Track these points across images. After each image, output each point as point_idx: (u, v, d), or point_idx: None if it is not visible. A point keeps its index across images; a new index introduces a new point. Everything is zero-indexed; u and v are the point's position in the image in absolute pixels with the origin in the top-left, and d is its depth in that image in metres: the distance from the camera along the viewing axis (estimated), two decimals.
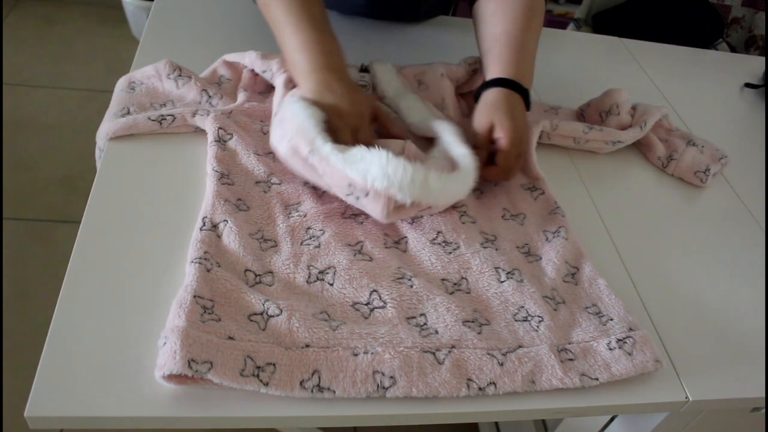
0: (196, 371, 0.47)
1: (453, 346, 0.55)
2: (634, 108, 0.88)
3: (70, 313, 0.53)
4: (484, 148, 0.73)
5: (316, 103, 0.66)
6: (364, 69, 0.85)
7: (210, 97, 0.76)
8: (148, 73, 0.78)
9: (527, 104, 0.77)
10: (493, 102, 0.74)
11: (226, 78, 0.81)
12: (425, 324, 0.57)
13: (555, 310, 0.61)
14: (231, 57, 0.80)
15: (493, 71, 0.77)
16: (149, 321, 0.53)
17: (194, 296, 0.52)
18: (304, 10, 0.72)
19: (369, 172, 0.59)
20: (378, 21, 1.06)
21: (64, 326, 0.52)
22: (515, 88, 0.75)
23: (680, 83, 1.11)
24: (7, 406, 1.23)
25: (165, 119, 0.71)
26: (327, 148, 0.61)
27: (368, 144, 0.63)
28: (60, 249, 1.56)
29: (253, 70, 0.80)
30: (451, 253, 0.64)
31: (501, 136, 0.72)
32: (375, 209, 0.62)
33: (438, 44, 1.04)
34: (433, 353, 0.54)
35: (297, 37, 0.71)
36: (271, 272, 0.58)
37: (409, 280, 0.60)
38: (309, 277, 0.59)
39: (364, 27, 1.04)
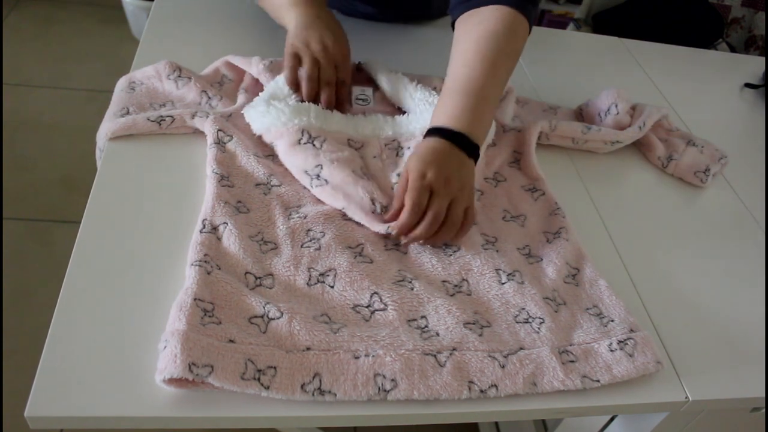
0: (197, 375, 0.47)
1: (454, 349, 0.55)
2: (633, 108, 0.88)
3: (70, 313, 0.53)
4: (398, 202, 0.64)
5: (300, 33, 0.73)
6: (360, 68, 0.85)
7: (210, 98, 0.76)
8: (148, 74, 0.78)
9: (474, 156, 0.67)
10: (418, 149, 0.65)
11: (228, 78, 0.81)
12: (426, 326, 0.57)
13: (556, 311, 0.61)
14: (236, 60, 0.80)
15: (436, 117, 0.68)
16: (149, 321, 0.53)
17: (194, 299, 0.52)
18: None
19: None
20: (380, 23, 1.06)
21: (64, 326, 0.52)
22: (457, 139, 0.65)
23: (680, 83, 1.11)
24: (7, 406, 1.23)
25: (164, 120, 0.71)
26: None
27: (347, 79, 0.73)
28: (60, 249, 1.56)
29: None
30: (451, 255, 0.64)
31: (409, 181, 0.62)
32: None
33: (441, 46, 1.04)
34: (435, 356, 0.54)
35: None
36: (271, 275, 0.58)
37: (410, 282, 0.60)
38: (309, 279, 0.59)
39: (368, 29, 1.04)
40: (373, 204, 0.65)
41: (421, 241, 0.64)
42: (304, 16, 0.76)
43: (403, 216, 0.61)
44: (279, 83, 0.75)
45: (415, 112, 0.77)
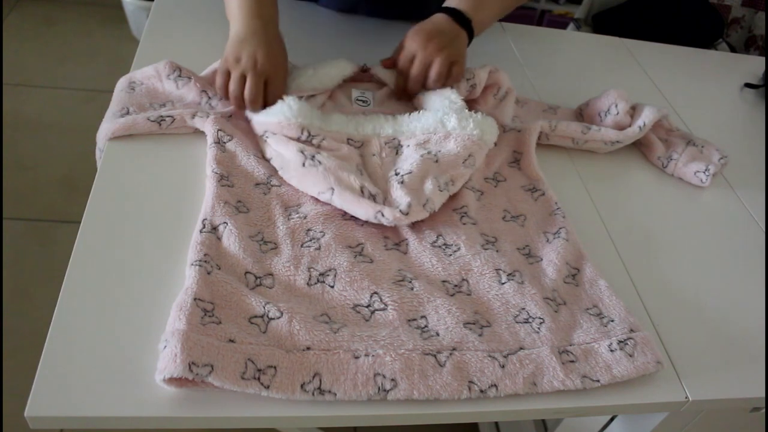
0: (197, 374, 0.47)
1: (454, 349, 0.55)
2: (633, 108, 0.88)
3: (70, 313, 0.53)
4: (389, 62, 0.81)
5: (233, 46, 0.73)
6: (365, 69, 0.85)
7: (210, 98, 0.76)
8: (148, 74, 0.78)
9: (469, 35, 0.81)
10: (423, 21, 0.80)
11: None
12: (426, 326, 0.57)
13: (556, 311, 0.61)
14: None
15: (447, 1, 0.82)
16: (149, 321, 0.53)
17: (194, 299, 0.52)
18: None
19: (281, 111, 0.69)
20: (378, 20, 1.06)
21: (64, 326, 0.52)
22: (454, 16, 0.79)
23: (680, 83, 1.11)
24: (7, 406, 1.23)
25: (164, 120, 0.71)
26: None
27: (279, 95, 0.73)
28: (60, 249, 1.56)
29: None
30: (451, 255, 0.64)
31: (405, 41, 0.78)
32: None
33: None
34: (435, 356, 0.54)
35: None
36: (271, 274, 0.58)
37: (410, 282, 0.60)
38: (309, 279, 0.59)
39: (366, 26, 1.04)
40: (362, 192, 0.65)
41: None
42: (241, 30, 0.75)
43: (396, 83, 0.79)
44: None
45: (420, 111, 0.77)
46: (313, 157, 0.67)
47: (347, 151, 0.70)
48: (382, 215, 0.63)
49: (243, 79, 0.72)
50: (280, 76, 0.75)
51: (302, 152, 0.67)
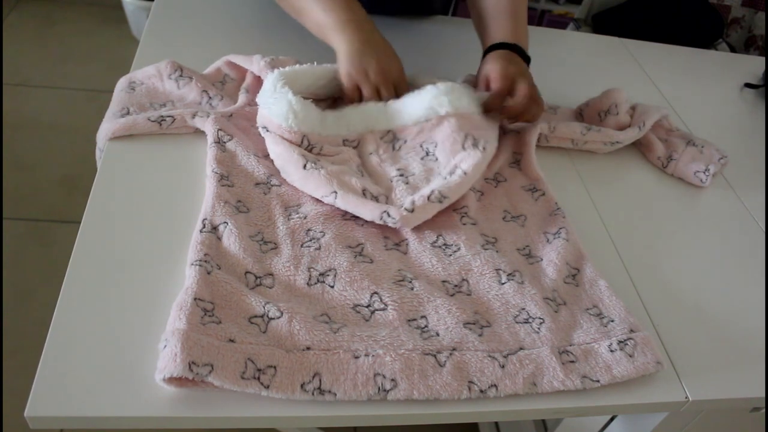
0: (197, 374, 0.47)
1: (454, 349, 0.55)
2: (633, 108, 0.88)
3: (70, 313, 0.53)
4: (484, 84, 0.79)
5: (355, 61, 0.73)
6: None
7: (210, 98, 0.76)
8: (149, 73, 0.78)
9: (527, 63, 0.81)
10: (488, 59, 0.80)
11: (231, 77, 0.81)
12: (426, 326, 0.57)
13: (556, 311, 0.61)
14: (237, 59, 0.79)
15: (491, 39, 0.82)
16: (149, 321, 0.53)
17: (195, 299, 0.52)
18: None
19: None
20: (378, 18, 1.06)
21: (64, 326, 0.52)
22: (513, 50, 0.80)
23: (680, 83, 1.11)
24: (7, 406, 1.23)
25: (164, 120, 0.71)
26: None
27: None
28: (60, 249, 1.56)
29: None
30: (451, 255, 0.64)
31: (493, 77, 0.77)
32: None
33: (437, 44, 1.04)
34: (435, 356, 0.54)
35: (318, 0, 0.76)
36: (271, 274, 0.58)
37: (410, 282, 0.60)
38: (310, 279, 0.59)
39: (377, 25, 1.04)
40: (365, 195, 0.65)
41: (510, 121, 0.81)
42: (355, 42, 0.74)
43: (515, 100, 0.77)
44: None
45: (410, 95, 0.76)
46: (315, 162, 0.67)
47: (346, 153, 0.70)
48: (388, 215, 0.63)
49: (377, 92, 0.74)
50: (404, 78, 0.77)
51: (303, 156, 0.67)
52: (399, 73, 0.76)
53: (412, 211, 0.64)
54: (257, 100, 0.72)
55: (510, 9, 0.84)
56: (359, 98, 0.75)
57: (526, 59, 0.82)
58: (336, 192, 0.64)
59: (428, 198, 0.65)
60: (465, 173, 0.68)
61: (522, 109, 0.77)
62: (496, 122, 0.77)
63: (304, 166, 0.66)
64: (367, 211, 0.64)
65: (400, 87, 0.76)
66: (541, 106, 0.79)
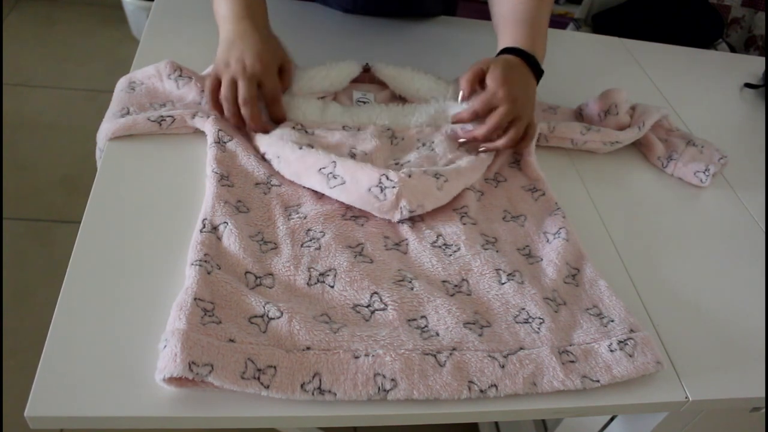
0: (197, 374, 0.47)
1: (454, 349, 0.55)
2: (633, 108, 0.88)
3: (70, 313, 0.53)
4: (468, 87, 0.74)
5: (221, 52, 0.73)
6: (366, 68, 0.85)
7: None
8: (148, 73, 0.78)
9: (537, 77, 0.77)
10: (494, 59, 0.76)
11: None
12: (426, 326, 0.57)
13: (556, 311, 0.61)
14: None
15: (502, 44, 0.79)
16: (149, 321, 0.53)
17: (195, 299, 0.52)
18: None
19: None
20: (379, 19, 1.06)
21: (64, 326, 0.52)
22: (524, 57, 0.76)
23: (680, 83, 1.11)
24: (7, 406, 1.23)
25: (164, 120, 0.71)
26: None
27: (274, 95, 0.72)
28: (60, 249, 1.56)
29: None
30: (451, 255, 0.64)
31: (489, 83, 0.72)
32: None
33: (440, 44, 1.04)
34: (434, 356, 0.54)
35: None
36: (271, 274, 0.58)
37: (410, 282, 0.60)
38: (310, 279, 0.59)
39: (366, 26, 1.04)
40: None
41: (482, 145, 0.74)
42: (229, 34, 0.74)
43: (481, 130, 0.72)
44: None
45: (415, 104, 0.79)
46: (310, 145, 0.69)
47: (339, 136, 0.72)
48: (387, 178, 0.64)
49: (234, 83, 0.70)
50: (272, 76, 0.73)
51: (297, 142, 0.69)
52: (265, 70, 0.71)
53: (410, 176, 0.64)
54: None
55: (528, 17, 0.80)
56: (215, 91, 0.71)
57: (538, 71, 0.77)
58: (335, 162, 0.65)
59: (424, 172, 0.66)
60: (461, 167, 0.70)
61: (482, 111, 0.72)
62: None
63: (300, 148, 0.68)
64: (366, 175, 0.64)
65: (265, 84, 0.71)
66: (529, 131, 0.75)
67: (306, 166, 0.67)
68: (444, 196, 0.68)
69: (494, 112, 0.72)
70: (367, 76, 0.85)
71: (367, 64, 0.85)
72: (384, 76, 0.84)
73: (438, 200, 0.67)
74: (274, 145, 0.69)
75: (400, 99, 0.84)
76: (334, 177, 0.65)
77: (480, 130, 0.73)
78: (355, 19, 1.05)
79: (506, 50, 0.77)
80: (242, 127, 0.72)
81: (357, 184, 0.64)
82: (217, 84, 0.71)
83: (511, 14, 0.81)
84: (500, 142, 0.73)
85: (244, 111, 0.70)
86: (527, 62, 0.76)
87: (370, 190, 0.64)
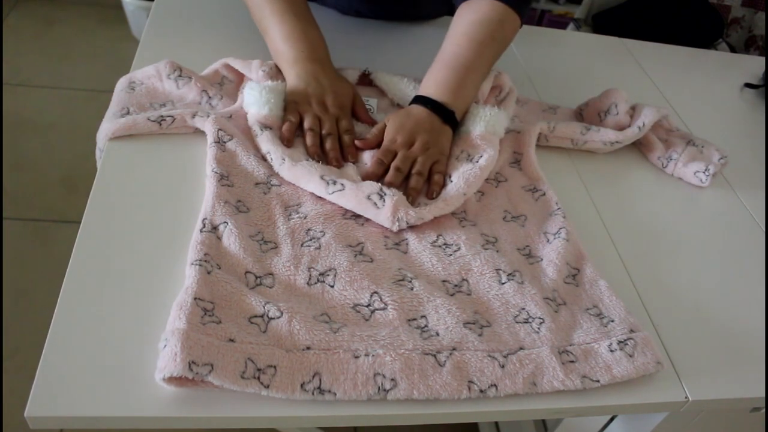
0: (197, 374, 0.47)
1: (454, 348, 0.55)
2: (633, 108, 0.88)
3: (70, 313, 0.53)
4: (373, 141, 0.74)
5: (300, 91, 0.75)
6: (366, 74, 0.85)
7: (210, 98, 0.77)
8: (148, 73, 0.78)
9: (452, 123, 0.76)
10: (399, 112, 0.76)
11: (229, 79, 0.81)
12: (426, 326, 0.57)
13: (556, 311, 0.61)
14: (235, 64, 0.79)
15: (422, 87, 0.78)
16: (149, 321, 0.53)
17: (195, 298, 0.52)
18: (288, 1, 0.79)
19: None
20: (379, 21, 1.06)
21: (64, 326, 0.52)
22: (436, 107, 0.74)
23: (680, 83, 1.11)
24: (7, 406, 1.23)
25: (164, 120, 0.71)
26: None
27: (349, 132, 0.74)
28: (60, 249, 1.56)
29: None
30: (451, 254, 0.64)
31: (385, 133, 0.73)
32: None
33: (439, 46, 1.04)
34: (434, 355, 0.54)
35: (282, 27, 0.78)
36: (271, 274, 0.58)
37: (410, 281, 0.60)
38: (310, 278, 0.59)
39: (366, 28, 1.04)
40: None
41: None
42: (302, 76, 0.76)
43: (370, 168, 0.71)
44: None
45: None
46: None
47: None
48: (387, 189, 0.66)
49: (318, 118, 0.74)
50: (347, 112, 0.77)
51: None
52: (343, 110, 0.76)
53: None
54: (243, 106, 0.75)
55: (459, 63, 0.77)
56: (295, 124, 0.73)
57: (450, 120, 0.75)
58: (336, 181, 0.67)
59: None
60: (452, 181, 0.70)
61: (384, 158, 0.71)
62: (495, 143, 0.76)
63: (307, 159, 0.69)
64: (367, 184, 0.66)
65: (341, 123, 0.75)
66: (433, 182, 0.70)
67: (308, 172, 0.67)
68: (446, 207, 0.68)
69: (380, 158, 0.71)
70: (366, 80, 0.86)
71: (366, 69, 0.85)
72: (383, 84, 0.84)
73: (440, 210, 0.67)
74: (271, 141, 0.70)
75: (399, 107, 0.84)
76: (334, 183, 0.66)
77: (387, 177, 0.70)
78: (354, 19, 1.05)
79: (417, 99, 0.76)
80: (314, 156, 0.72)
81: (357, 190, 0.65)
82: (298, 117, 0.74)
83: (442, 58, 0.79)
84: (388, 178, 0.70)
85: (328, 141, 0.73)
86: (436, 110, 0.75)
87: (369, 197, 0.64)
